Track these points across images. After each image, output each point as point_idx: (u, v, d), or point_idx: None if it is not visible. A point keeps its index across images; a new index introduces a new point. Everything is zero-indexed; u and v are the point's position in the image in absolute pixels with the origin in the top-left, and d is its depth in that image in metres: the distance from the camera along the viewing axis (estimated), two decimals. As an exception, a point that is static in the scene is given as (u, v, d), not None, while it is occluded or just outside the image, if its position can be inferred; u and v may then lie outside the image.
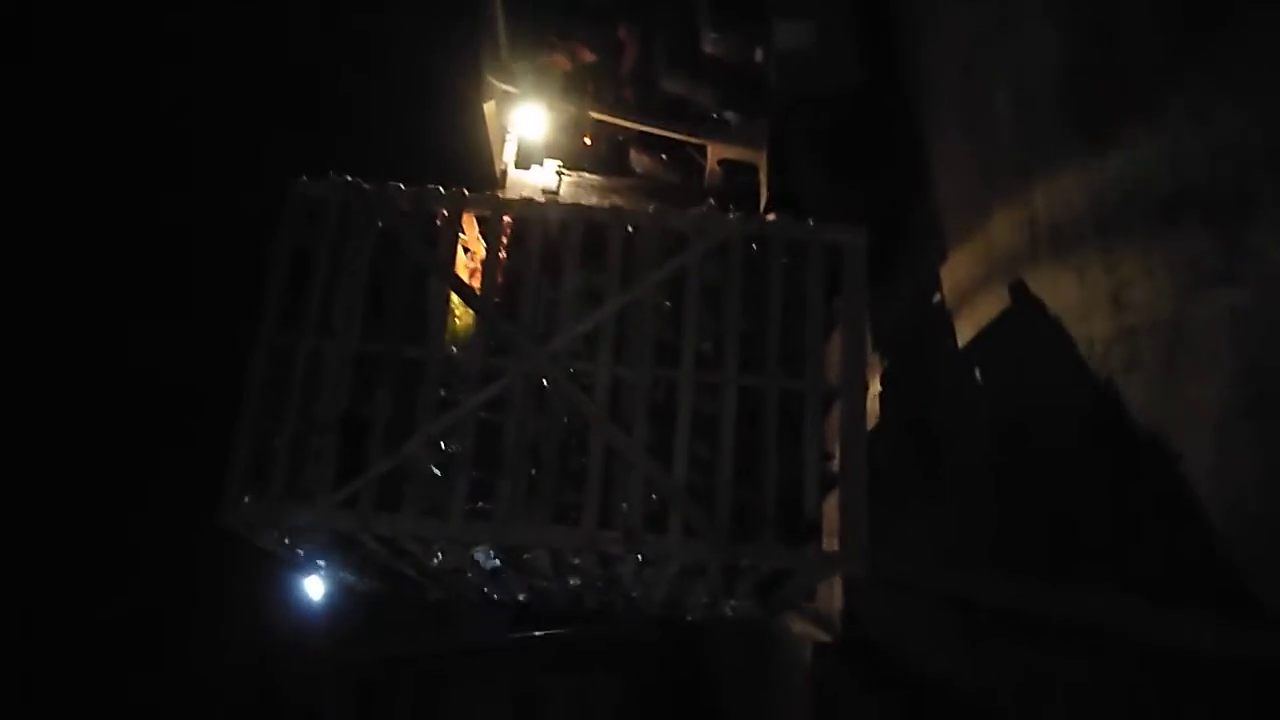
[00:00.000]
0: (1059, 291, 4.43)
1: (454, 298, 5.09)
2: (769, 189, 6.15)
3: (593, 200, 6.56)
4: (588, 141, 6.62)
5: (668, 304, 5.01)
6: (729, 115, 6.44)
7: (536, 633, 11.50)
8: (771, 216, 6.39)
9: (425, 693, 11.90)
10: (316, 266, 4.96)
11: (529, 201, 5.19)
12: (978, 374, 5.53)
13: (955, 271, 5.71)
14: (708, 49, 6.70)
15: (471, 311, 5.04)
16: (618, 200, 6.60)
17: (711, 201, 6.64)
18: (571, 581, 6.15)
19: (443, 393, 4.83)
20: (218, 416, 5.14)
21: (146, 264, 12.19)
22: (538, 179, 6.60)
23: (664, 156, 6.68)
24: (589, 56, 6.57)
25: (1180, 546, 3.38)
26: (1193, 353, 3.32)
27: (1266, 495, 2.96)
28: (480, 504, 4.69)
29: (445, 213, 5.12)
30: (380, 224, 5.00)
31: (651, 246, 5.03)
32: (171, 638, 12.38)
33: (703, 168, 6.72)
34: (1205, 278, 3.22)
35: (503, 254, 5.08)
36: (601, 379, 4.82)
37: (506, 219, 5.11)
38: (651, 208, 5.49)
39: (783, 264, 4.96)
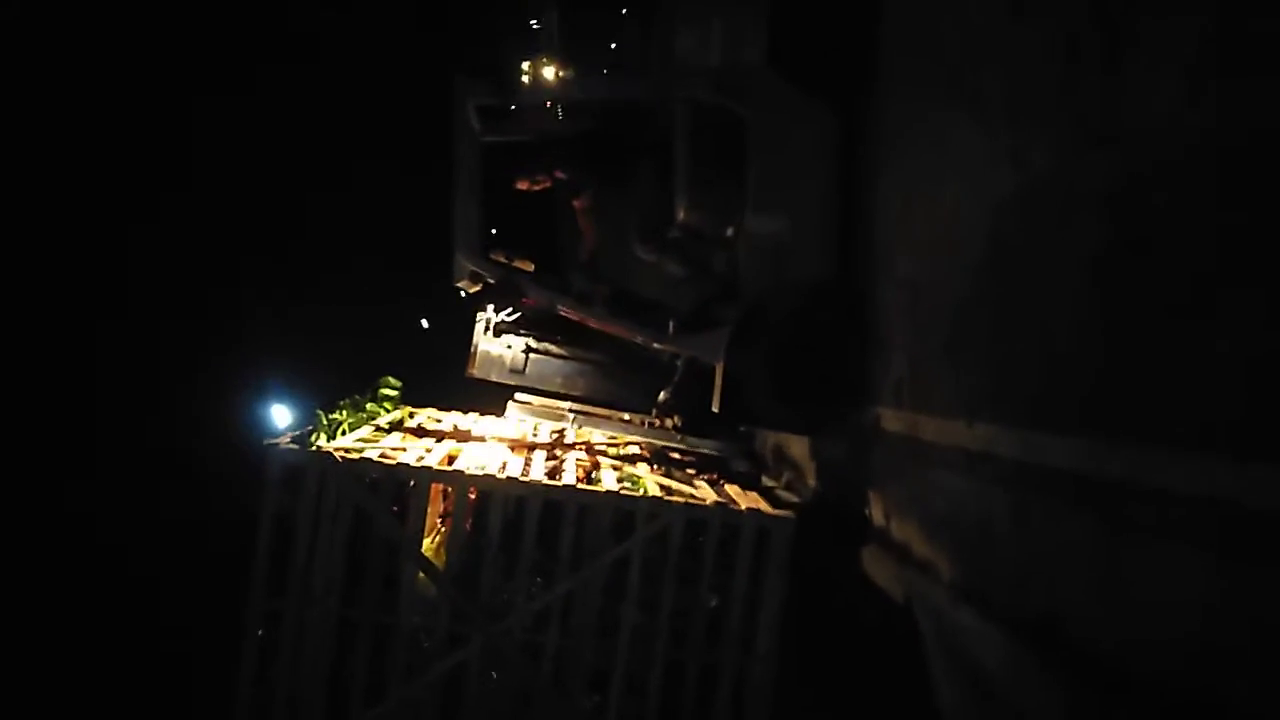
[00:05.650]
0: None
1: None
2: (720, 393, 6.52)
3: (556, 382, 6.92)
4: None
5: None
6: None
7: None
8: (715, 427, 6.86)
9: None
10: (298, 532, 5.54)
11: (492, 478, 5.67)
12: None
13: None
14: (680, 215, 6.72)
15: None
16: (580, 381, 6.97)
17: (665, 395, 7.04)
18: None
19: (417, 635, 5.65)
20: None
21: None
22: (506, 354, 6.89)
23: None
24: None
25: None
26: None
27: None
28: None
29: (414, 484, 5.62)
30: (354, 500, 5.52)
31: (602, 522, 5.64)
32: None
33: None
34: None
35: (467, 525, 5.66)
36: (549, 649, 5.63)
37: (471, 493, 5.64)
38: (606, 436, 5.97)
39: (715, 554, 5.62)
